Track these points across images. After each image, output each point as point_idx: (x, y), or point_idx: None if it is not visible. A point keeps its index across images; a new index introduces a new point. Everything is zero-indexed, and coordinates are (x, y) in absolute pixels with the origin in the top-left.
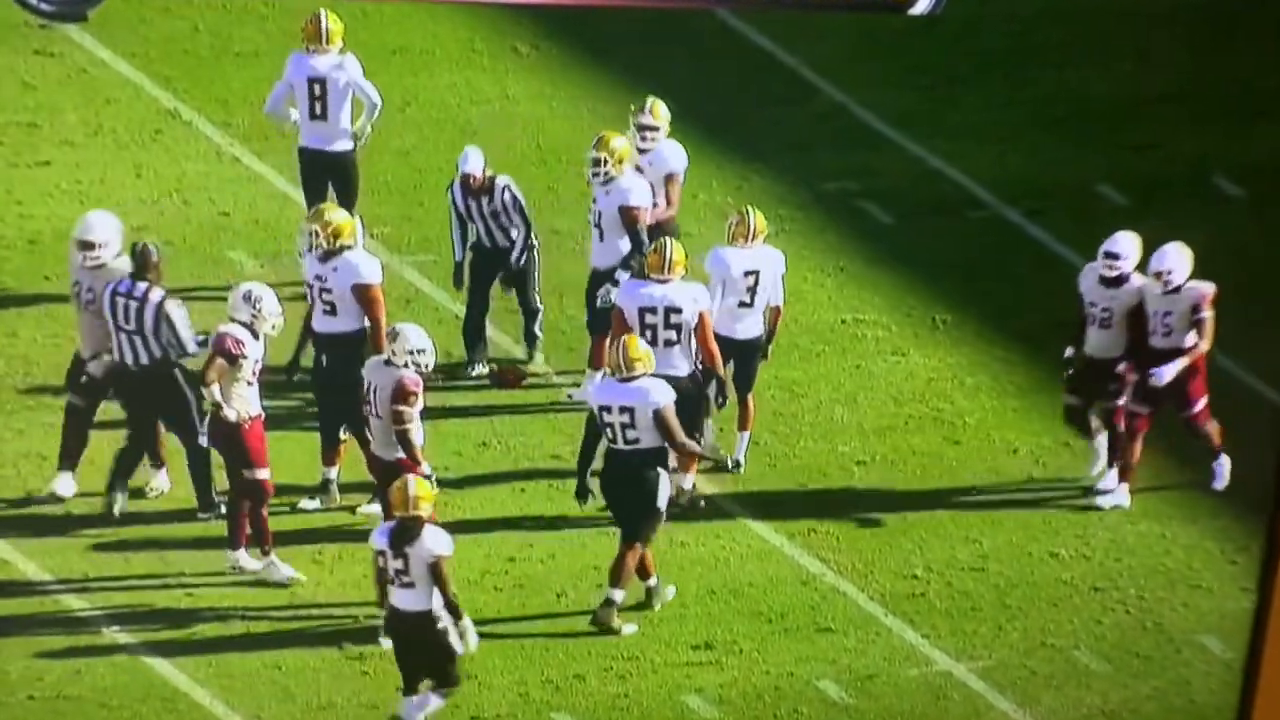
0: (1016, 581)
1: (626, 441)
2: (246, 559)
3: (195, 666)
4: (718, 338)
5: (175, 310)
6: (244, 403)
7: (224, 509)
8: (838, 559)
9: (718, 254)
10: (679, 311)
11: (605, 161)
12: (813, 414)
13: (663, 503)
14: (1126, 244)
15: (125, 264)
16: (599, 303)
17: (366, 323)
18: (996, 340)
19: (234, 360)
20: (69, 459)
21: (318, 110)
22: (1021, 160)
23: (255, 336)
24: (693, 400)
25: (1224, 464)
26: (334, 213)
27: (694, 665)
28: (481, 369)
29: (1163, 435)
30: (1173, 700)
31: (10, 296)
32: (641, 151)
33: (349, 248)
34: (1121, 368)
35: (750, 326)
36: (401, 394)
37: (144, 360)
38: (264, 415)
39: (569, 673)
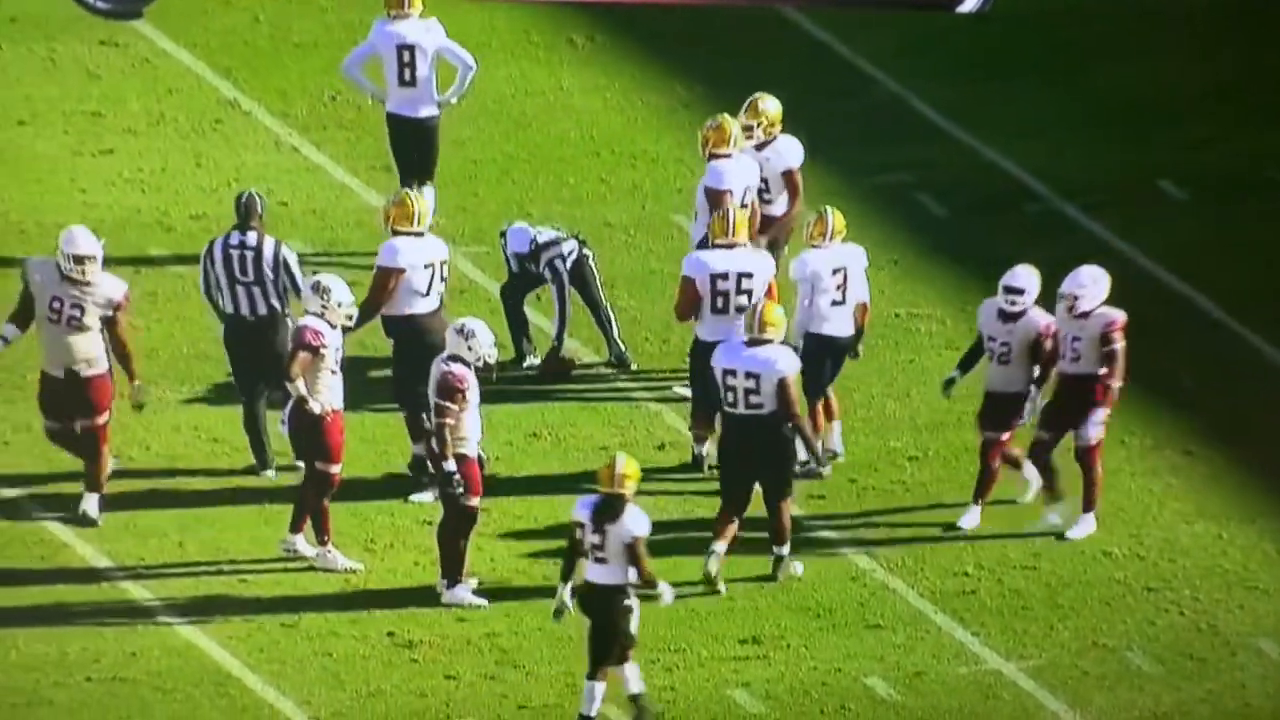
0: (1069, 580)
1: (748, 406)
2: (303, 544)
3: (247, 652)
4: (813, 337)
5: (291, 256)
6: (329, 394)
7: (274, 473)
8: (887, 555)
9: (802, 258)
10: (750, 276)
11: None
12: (864, 408)
13: (796, 460)
14: (1027, 278)
15: (108, 277)
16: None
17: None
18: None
19: (315, 351)
20: (91, 482)
21: (407, 76)
22: (1079, 154)
23: (332, 326)
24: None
25: (1088, 521)
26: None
27: (740, 660)
28: (533, 360)
29: (1218, 435)
30: (1227, 704)
31: None
32: (757, 148)
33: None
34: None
35: (842, 325)
36: (445, 390)
37: (262, 311)
38: (343, 410)
39: None
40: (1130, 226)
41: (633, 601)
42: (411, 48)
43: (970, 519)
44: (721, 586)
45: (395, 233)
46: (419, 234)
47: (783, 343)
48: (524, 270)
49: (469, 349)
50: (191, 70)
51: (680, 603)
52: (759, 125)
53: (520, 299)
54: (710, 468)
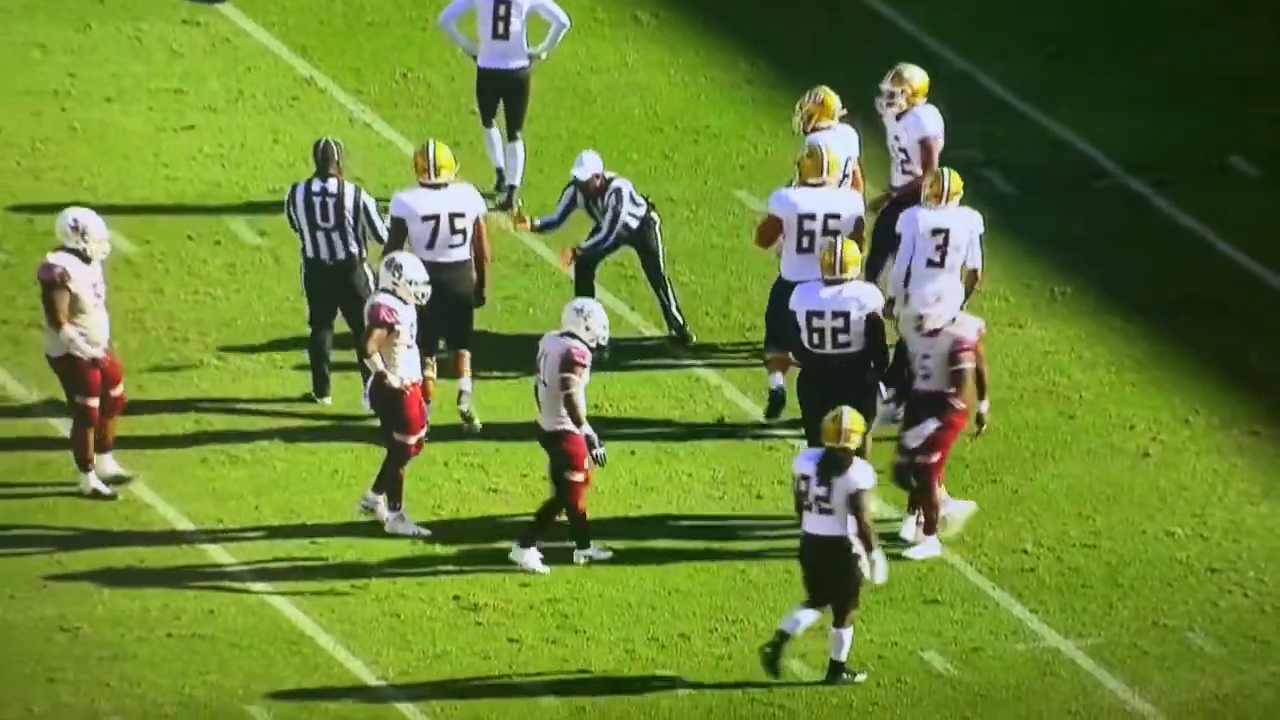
0: (1129, 559)
1: (836, 346)
2: (382, 506)
3: (319, 612)
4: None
5: (371, 203)
6: (405, 368)
7: (329, 400)
8: (945, 531)
9: (909, 214)
10: (837, 217)
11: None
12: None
13: (879, 396)
14: (938, 292)
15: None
16: None
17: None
18: (1116, 313)
19: (390, 328)
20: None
21: (500, 30)
22: (1149, 130)
23: (404, 302)
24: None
25: (931, 544)
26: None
27: None
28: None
29: None
30: None
31: (156, 255)
32: (897, 118)
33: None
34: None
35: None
36: (569, 363)
37: (340, 255)
38: (423, 381)
39: (674, 632)
40: (1199, 203)
41: (859, 549)
42: (508, 2)
43: (925, 549)
44: None
45: (421, 185)
46: (435, 185)
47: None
48: (570, 206)
49: (586, 328)
50: (269, 49)
51: (738, 574)
52: (902, 93)
53: (590, 271)
54: (768, 416)
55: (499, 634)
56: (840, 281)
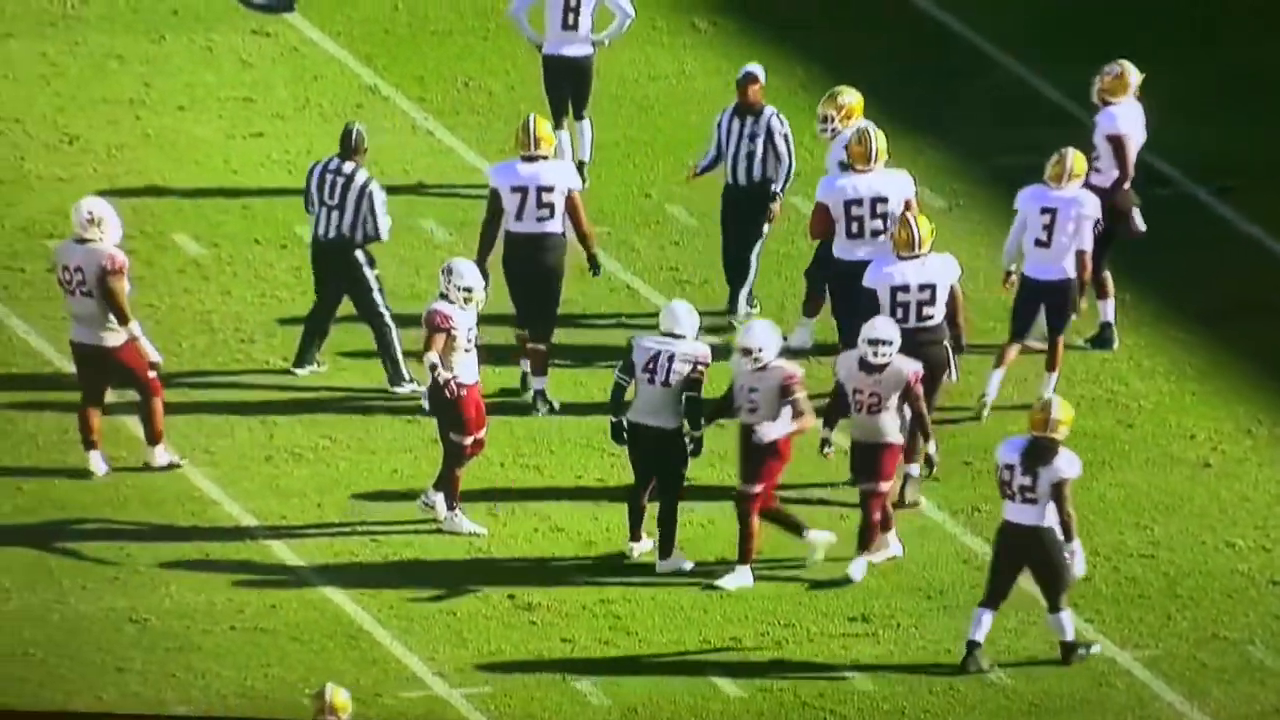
0: (1188, 570)
1: (919, 319)
2: (441, 504)
3: (377, 608)
4: (1021, 275)
5: (378, 192)
6: (462, 370)
7: (417, 386)
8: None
9: (1025, 191)
10: (884, 201)
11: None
12: (980, 391)
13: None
14: (889, 329)
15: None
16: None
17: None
18: (1177, 322)
19: (447, 333)
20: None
21: (570, 21)
22: (1211, 136)
23: (461, 307)
24: None
25: (743, 573)
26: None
27: (850, 637)
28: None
29: None
30: None
31: (224, 258)
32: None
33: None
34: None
35: (1043, 267)
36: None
37: (332, 234)
38: (479, 383)
39: (725, 635)
40: (1263, 210)
41: (1062, 538)
42: None
43: (857, 569)
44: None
45: (521, 158)
46: (531, 158)
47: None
48: (729, 131)
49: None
50: (335, 58)
51: (789, 577)
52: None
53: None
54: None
55: (552, 633)
56: (918, 256)
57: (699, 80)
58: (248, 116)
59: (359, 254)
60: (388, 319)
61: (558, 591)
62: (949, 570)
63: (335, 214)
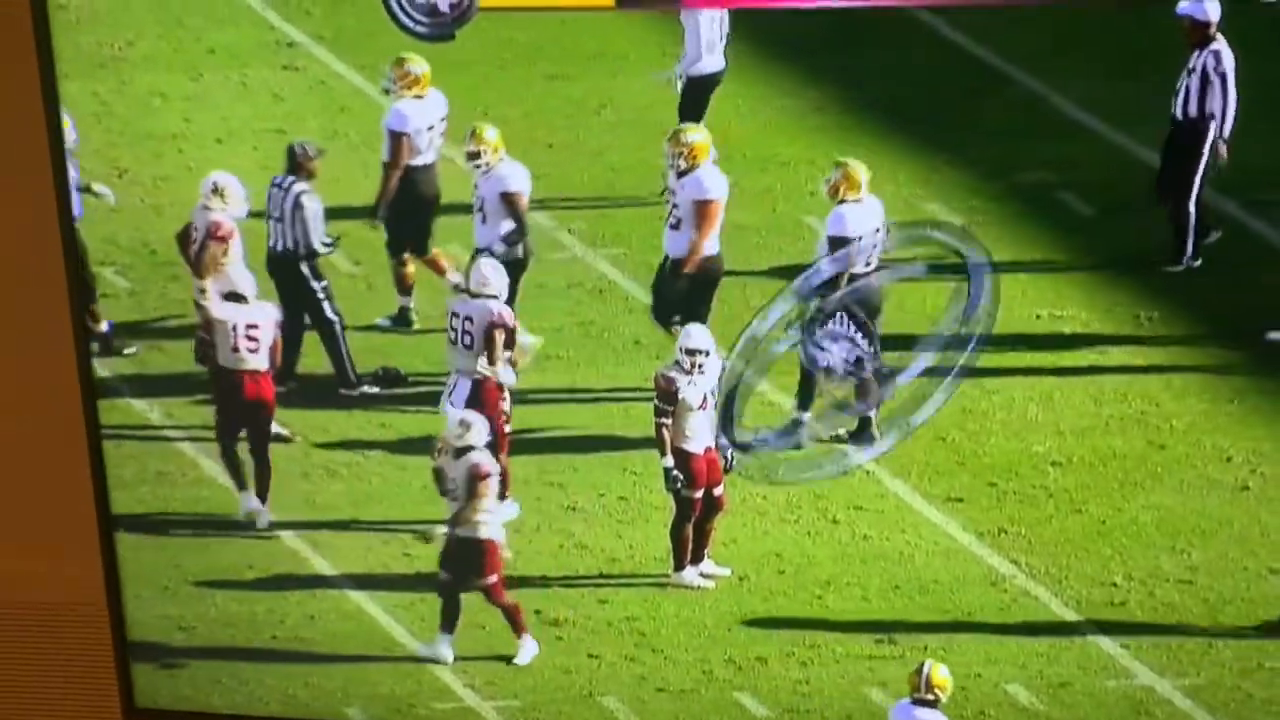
0: (1230, 598)
1: None
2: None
3: (410, 620)
4: None
5: (310, 204)
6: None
7: (368, 386)
8: (1029, 561)
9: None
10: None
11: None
12: (1005, 411)
13: None
14: (704, 338)
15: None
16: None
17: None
18: (1210, 339)
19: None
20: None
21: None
22: (1240, 149)
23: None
24: None
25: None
26: (693, 133)
27: (877, 659)
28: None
29: None
30: None
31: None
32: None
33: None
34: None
35: None
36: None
37: (278, 247)
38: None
39: (751, 655)
40: None
41: None
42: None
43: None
44: None
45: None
46: (420, 97)
47: None
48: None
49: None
50: (361, 90)
51: (814, 599)
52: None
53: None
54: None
55: (579, 649)
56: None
57: (712, 104)
58: (280, 148)
59: (303, 266)
60: (337, 328)
61: (583, 608)
62: (977, 593)
63: (279, 226)
